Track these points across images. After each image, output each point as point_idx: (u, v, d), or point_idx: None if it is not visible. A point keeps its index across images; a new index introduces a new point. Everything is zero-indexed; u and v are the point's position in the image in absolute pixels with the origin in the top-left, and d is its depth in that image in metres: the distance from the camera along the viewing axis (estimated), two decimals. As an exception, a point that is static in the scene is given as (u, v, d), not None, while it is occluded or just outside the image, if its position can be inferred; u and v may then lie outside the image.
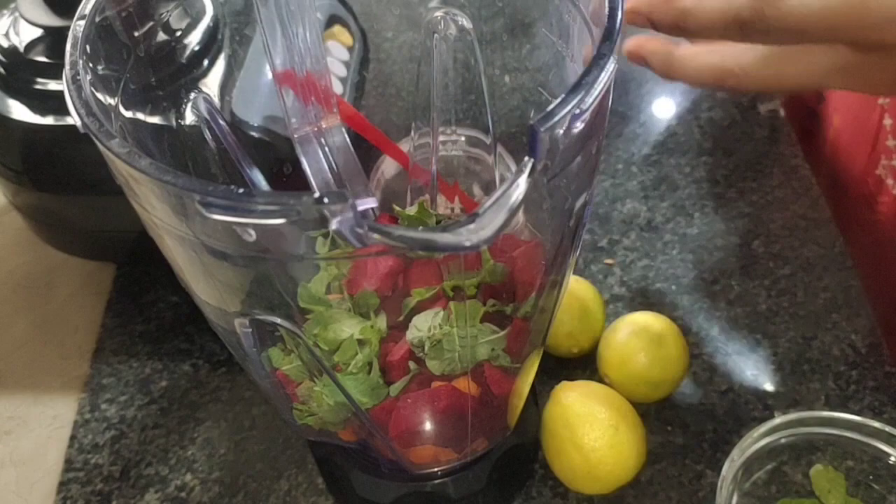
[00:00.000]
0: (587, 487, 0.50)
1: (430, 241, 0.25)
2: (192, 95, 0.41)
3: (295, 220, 0.25)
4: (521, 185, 0.26)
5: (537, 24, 0.40)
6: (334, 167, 0.44)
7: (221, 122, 0.38)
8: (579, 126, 0.28)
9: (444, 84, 0.44)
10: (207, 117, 0.38)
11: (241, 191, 0.25)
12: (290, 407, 0.42)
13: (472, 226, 0.24)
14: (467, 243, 0.24)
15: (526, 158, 0.26)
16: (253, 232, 0.26)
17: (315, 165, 0.44)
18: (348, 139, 0.44)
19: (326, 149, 0.44)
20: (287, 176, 0.46)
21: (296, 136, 0.42)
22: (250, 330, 0.36)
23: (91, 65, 0.32)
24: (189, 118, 0.40)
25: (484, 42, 0.45)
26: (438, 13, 0.42)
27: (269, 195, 0.25)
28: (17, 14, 0.57)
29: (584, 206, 0.36)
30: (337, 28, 0.66)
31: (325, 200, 0.24)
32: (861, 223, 0.71)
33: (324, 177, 0.44)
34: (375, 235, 0.25)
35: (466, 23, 0.43)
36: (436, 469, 0.47)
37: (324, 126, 0.42)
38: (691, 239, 0.66)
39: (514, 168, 0.52)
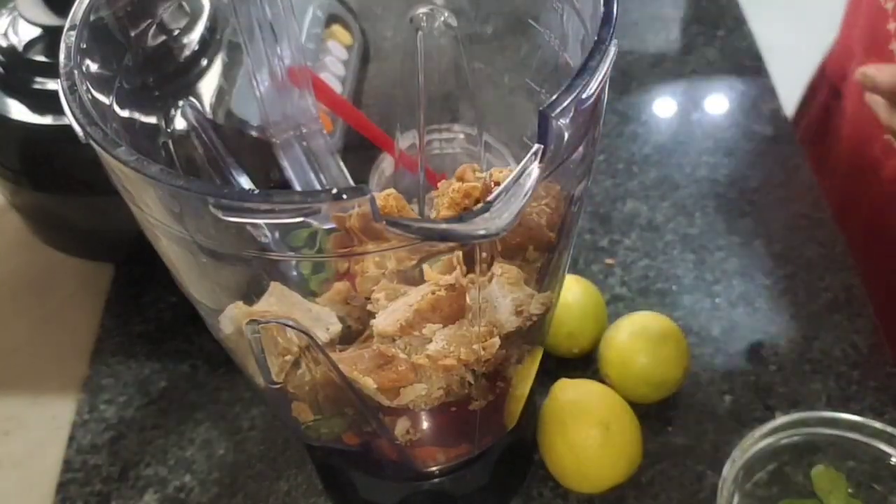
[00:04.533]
0: (577, 485, 0.50)
1: (448, 232, 0.25)
2: (181, 103, 0.41)
3: (316, 218, 0.25)
4: (534, 172, 0.26)
5: (528, 16, 0.40)
6: (318, 171, 0.44)
7: (210, 130, 0.39)
8: (585, 110, 0.28)
9: (430, 81, 0.44)
10: (196, 125, 0.38)
11: (256, 192, 0.25)
12: (290, 412, 0.42)
13: (486, 214, 0.25)
14: (482, 231, 0.24)
15: (536, 145, 0.26)
16: (269, 233, 0.26)
17: (298, 169, 0.44)
18: (330, 142, 0.44)
19: (310, 153, 0.44)
20: (274, 181, 0.46)
21: (277, 141, 0.42)
22: (259, 335, 0.36)
23: (86, 68, 0.32)
24: (179, 124, 0.40)
25: (475, 37, 0.45)
26: (422, 10, 0.42)
27: (285, 194, 0.25)
28: (16, 13, 0.57)
29: (584, 191, 0.36)
30: (336, 27, 0.65)
31: (345, 196, 0.24)
32: (864, 197, 0.72)
33: (307, 179, 0.44)
34: (394, 228, 0.25)
35: (451, 19, 0.42)
36: (439, 467, 0.47)
37: (304, 130, 0.43)
38: (692, 238, 0.65)
39: (508, 158, 0.52)
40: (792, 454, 0.49)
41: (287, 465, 0.55)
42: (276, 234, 0.28)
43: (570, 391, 0.51)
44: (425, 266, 0.34)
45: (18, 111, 0.54)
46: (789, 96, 0.85)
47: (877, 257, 0.71)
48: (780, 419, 0.48)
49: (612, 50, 0.29)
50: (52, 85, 0.54)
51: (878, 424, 0.47)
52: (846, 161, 0.75)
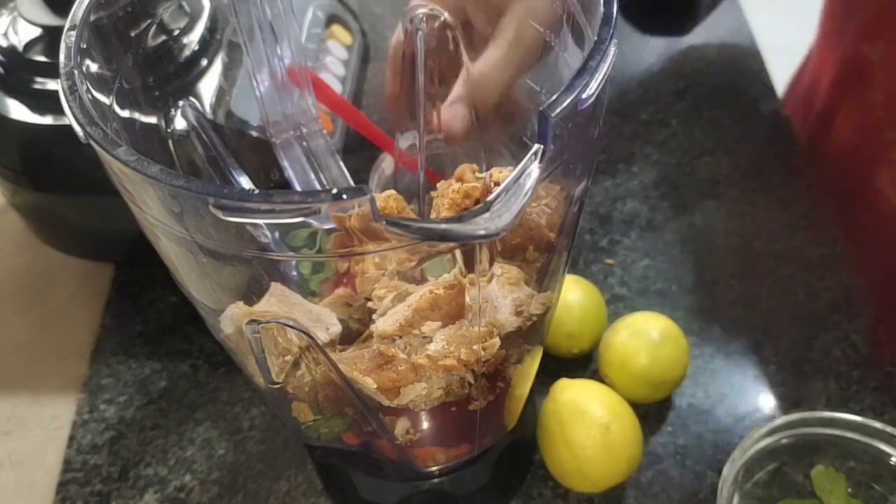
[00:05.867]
0: (577, 485, 0.50)
1: (448, 232, 0.25)
2: (181, 103, 0.41)
3: (316, 218, 0.25)
4: (534, 171, 0.26)
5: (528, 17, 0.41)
6: (318, 171, 0.45)
7: (210, 130, 0.39)
8: (584, 111, 0.28)
9: (428, 81, 0.44)
10: (196, 125, 0.38)
11: (257, 192, 0.25)
12: (290, 412, 0.42)
13: (486, 214, 0.24)
14: (482, 232, 0.24)
15: (536, 145, 0.26)
16: (269, 233, 0.26)
17: (298, 169, 0.44)
18: (330, 142, 0.44)
19: (310, 153, 0.44)
20: (274, 181, 0.46)
21: (277, 141, 0.42)
22: (259, 335, 0.36)
23: (86, 68, 0.32)
24: (179, 124, 0.40)
25: (475, 37, 0.45)
26: (422, 10, 0.42)
27: (285, 194, 0.24)
28: (16, 13, 0.57)
29: (584, 191, 0.36)
30: (336, 28, 0.66)
31: (345, 196, 0.24)
32: (863, 225, 0.72)
33: (307, 179, 0.44)
34: (394, 228, 0.25)
35: (448, 18, 0.42)
36: (439, 467, 0.47)
37: (304, 131, 0.43)
38: (692, 239, 0.65)
39: (508, 158, 0.52)
40: (792, 454, 0.49)
41: (287, 465, 0.55)
42: (276, 234, 0.28)
43: (570, 391, 0.51)
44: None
45: (18, 111, 0.54)
46: (789, 96, 0.85)
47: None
48: (780, 419, 0.48)
49: (612, 50, 0.29)
50: (52, 85, 0.54)
51: (878, 424, 0.47)
52: (843, 160, 0.75)
